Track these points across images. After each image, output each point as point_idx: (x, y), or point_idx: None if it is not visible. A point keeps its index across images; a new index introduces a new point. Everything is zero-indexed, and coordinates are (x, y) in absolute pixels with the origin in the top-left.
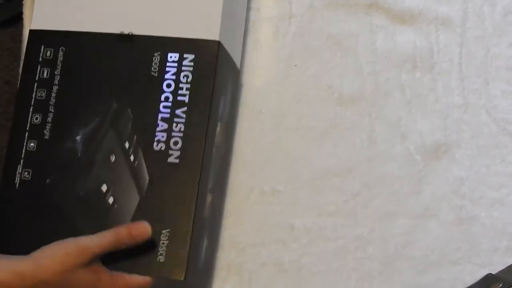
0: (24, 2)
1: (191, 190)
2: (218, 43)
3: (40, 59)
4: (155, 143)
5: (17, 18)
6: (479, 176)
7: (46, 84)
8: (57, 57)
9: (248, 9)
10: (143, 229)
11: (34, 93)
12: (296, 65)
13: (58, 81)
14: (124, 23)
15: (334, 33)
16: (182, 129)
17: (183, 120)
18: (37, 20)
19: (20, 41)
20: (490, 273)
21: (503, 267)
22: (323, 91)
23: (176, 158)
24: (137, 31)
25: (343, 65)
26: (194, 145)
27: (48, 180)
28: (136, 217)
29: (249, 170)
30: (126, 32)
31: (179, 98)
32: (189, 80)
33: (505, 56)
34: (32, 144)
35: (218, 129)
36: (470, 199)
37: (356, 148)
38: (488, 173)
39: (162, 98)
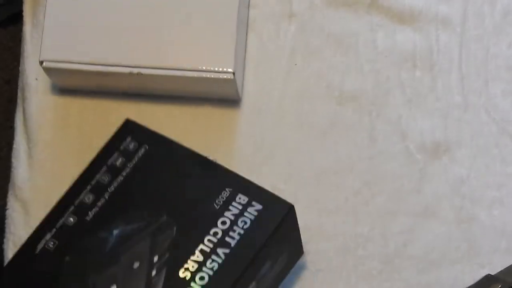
0: (24, 1)
1: None
2: (291, 207)
3: (121, 147)
4: (182, 269)
5: (17, 17)
6: (479, 176)
7: (114, 171)
8: (137, 152)
9: (250, 6)
10: None
11: (99, 174)
12: (296, 64)
13: (127, 173)
14: None
15: (334, 32)
16: (215, 268)
17: (220, 261)
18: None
19: (20, 40)
20: (489, 274)
21: (502, 267)
22: (323, 90)
23: None
24: None
25: (343, 63)
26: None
27: (67, 258)
28: None
29: (249, 168)
30: None
31: (227, 239)
32: (245, 226)
33: (505, 56)
34: (71, 219)
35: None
36: (470, 199)
37: (356, 146)
38: (488, 173)
39: (211, 231)
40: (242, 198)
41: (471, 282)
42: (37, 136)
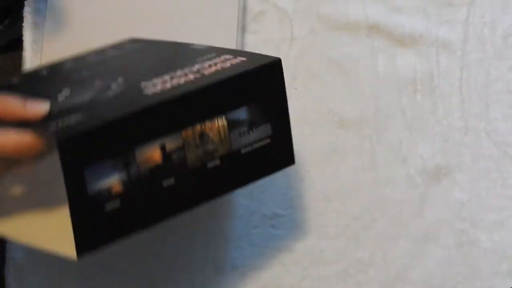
0: (24, 25)
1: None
2: (277, 61)
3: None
4: (143, 82)
5: (17, 43)
6: (479, 200)
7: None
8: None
9: (249, 31)
10: (40, 108)
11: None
12: (296, 88)
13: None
14: None
15: (335, 56)
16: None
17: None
18: None
19: (20, 65)
20: None
21: None
22: (324, 114)
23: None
24: None
25: (344, 88)
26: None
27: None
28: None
29: (249, 194)
30: None
31: (193, 76)
32: (221, 66)
33: (506, 79)
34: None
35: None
36: (471, 223)
37: (357, 171)
38: (488, 196)
39: (186, 67)
40: (227, 56)
41: None
42: None
